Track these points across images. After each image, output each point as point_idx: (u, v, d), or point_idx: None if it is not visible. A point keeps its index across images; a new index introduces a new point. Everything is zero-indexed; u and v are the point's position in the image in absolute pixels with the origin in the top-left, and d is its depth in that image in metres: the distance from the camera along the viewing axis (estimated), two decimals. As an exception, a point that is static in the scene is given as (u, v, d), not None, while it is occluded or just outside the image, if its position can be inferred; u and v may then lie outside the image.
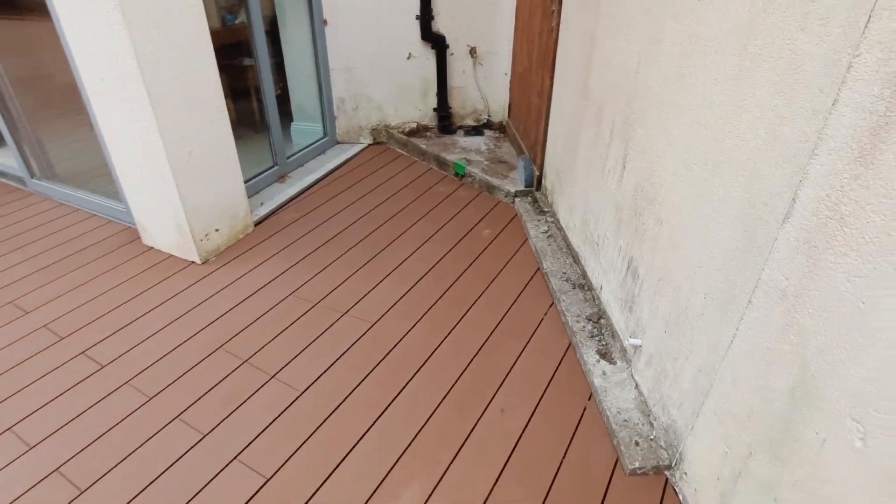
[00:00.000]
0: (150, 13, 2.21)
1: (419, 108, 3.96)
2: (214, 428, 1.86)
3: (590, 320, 2.25)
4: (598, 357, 2.08)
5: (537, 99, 3.07)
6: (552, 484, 1.68)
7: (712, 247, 1.42)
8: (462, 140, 3.86)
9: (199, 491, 1.66)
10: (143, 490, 1.66)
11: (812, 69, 1.06)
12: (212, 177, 2.71)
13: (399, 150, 3.96)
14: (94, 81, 2.45)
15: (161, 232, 2.79)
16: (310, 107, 3.89)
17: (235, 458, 1.76)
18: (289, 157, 3.64)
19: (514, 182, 3.30)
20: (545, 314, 2.39)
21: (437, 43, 3.67)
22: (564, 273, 2.55)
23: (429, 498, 1.64)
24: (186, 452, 1.78)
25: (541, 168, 3.15)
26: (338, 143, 4.03)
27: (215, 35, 3.83)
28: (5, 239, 2.98)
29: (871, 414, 0.96)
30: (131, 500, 1.63)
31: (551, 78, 2.82)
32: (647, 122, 1.77)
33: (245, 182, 3.14)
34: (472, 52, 3.76)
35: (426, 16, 3.56)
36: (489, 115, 4.04)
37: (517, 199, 3.20)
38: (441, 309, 2.43)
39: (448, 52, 3.73)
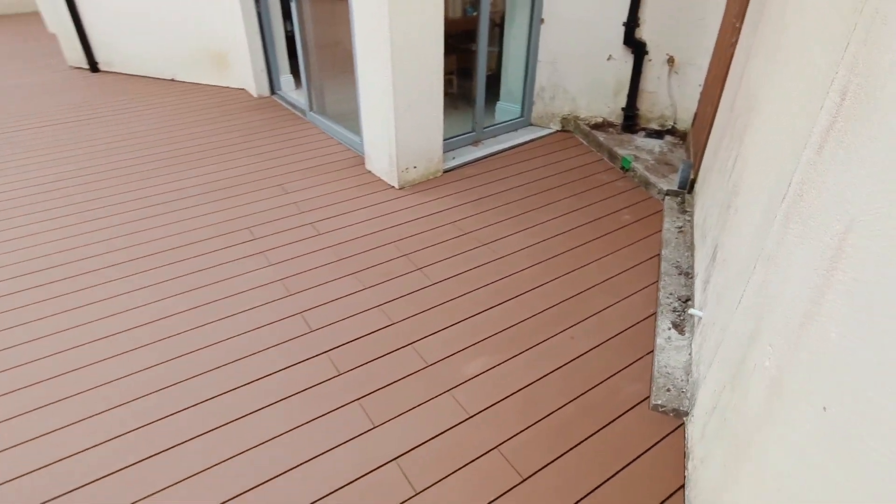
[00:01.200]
0: (406, 5, 3.10)
1: (608, 106, 4.37)
2: (371, 286, 2.71)
3: (679, 299, 2.55)
4: (670, 325, 2.40)
5: (709, 109, 3.29)
6: (584, 394, 2.13)
7: (750, 228, 1.72)
8: (639, 140, 4.17)
9: (344, 319, 2.50)
10: (314, 307, 2.57)
11: (820, 80, 1.36)
12: (420, 127, 3.59)
13: (580, 140, 4.43)
14: (362, 47, 3.48)
15: (378, 160, 3.78)
16: (515, 90, 4.59)
17: (377, 306, 2.58)
18: (486, 128, 4.40)
19: (671, 183, 3.55)
20: (644, 288, 2.73)
21: (637, 48, 4.03)
22: (677, 261, 2.83)
23: (488, 370, 2.23)
24: (350, 295, 2.65)
25: (696, 173, 3.36)
26: (531, 124, 4.66)
27: (455, 23, 4.77)
28: (287, 147, 4.31)
29: (776, 338, 1.28)
30: (307, 309, 2.55)
31: (721, 90, 3.04)
32: (752, 129, 2.04)
33: (446, 139, 3.99)
34: (671, 60, 4.02)
35: (632, 23, 3.94)
36: (675, 123, 4.25)
37: (667, 198, 3.46)
38: (560, 260, 2.93)
39: (646, 58, 4.06)
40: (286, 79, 5.46)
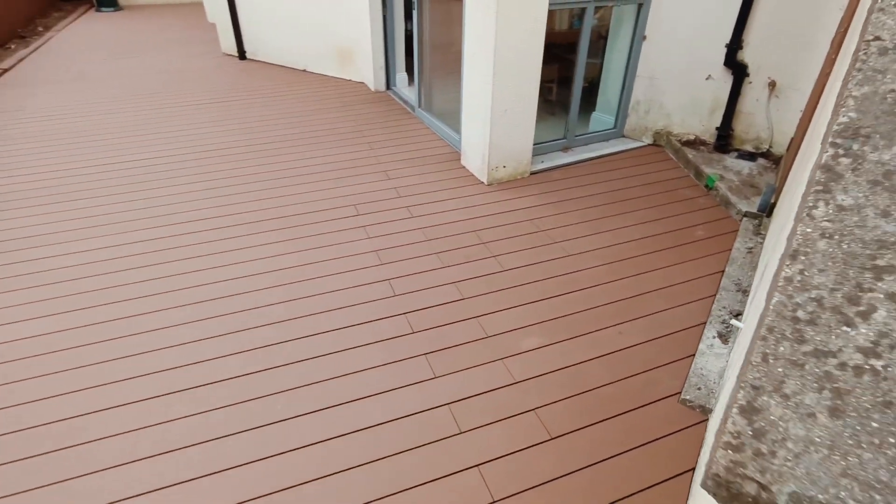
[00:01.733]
0: (511, 18, 3.46)
1: (703, 124, 4.44)
2: (450, 265, 3.12)
3: (730, 313, 2.71)
4: (715, 335, 2.58)
5: (799, 135, 3.33)
6: (622, 380, 2.39)
7: (781, 246, 1.91)
8: (730, 160, 4.23)
9: (424, 289, 2.94)
10: (400, 276, 3.03)
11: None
12: (513, 131, 3.94)
13: (670, 155, 4.55)
14: (470, 55, 3.89)
15: (472, 157, 4.19)
16: (611, 102, 4.79)
17: (453, 283, 2.99)
18: (578, 136, 4.65)
19: (752, 205, 3.62)
20: (701, 299, 2.90)
21: (737, 70, 4.09)
22: (738, 279, 2.96)
23: (540, 348, 2.56)
24: (431, 270, 3.09)
25: (777, 197, 3.42)
26: (623, 136, 4.84)
27: (561, 34, 5.03)
28: (394, 139, 4.84)
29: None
30: (394, 277, 3.01)
31: (811, 117, 3.09)
32: (804, 158, 2.19)
33: (537, 143, 4.31)
34: (772, 84, 4.03)
35: (734, 45, 4.01)
36: (770, 146, 4.24)
37: (745, 219, 3.55)
38: (625, 264, 3.17)
39: (746, 80, 4.10)
40: (401, 76, 6.02)
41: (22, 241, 3.34)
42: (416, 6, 4.95)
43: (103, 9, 10.88)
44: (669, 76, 4.40)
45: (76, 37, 8.86)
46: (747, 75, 4.10)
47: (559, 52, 5.06)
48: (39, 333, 2.62)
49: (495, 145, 3.92)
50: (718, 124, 4.36)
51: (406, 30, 5.93)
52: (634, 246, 3.35)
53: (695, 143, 4.50)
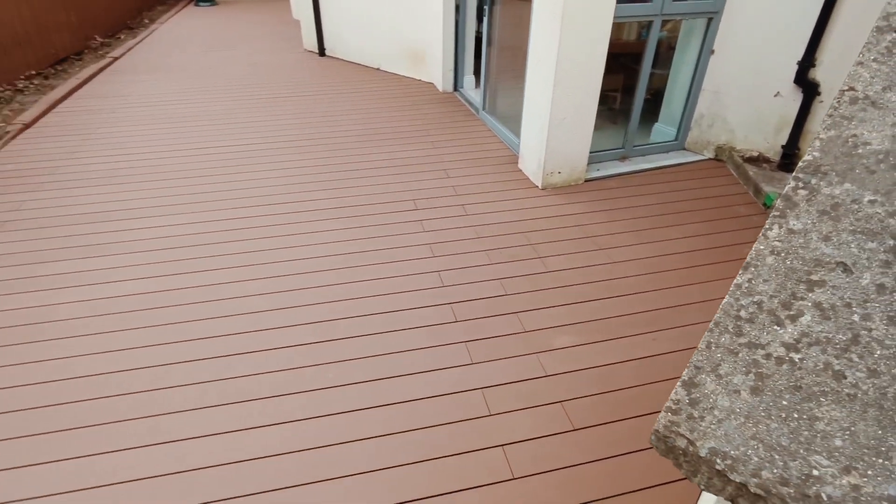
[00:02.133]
0: (575, 31, 3.60)
1: (767, 141, 4.38)
2: (497, 263, 3.31)
3: (768, 330, 2.74)
4: (749, 350, 2.63)
5: (863, 159, 3.27)
6: (650, 384, 2.51)
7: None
8: (793, 179, 4.15)
9: (470, 283, 3.14)
10: (449, 269, 3.25)
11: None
12: (570, 138, 4.06)
13: (730, 170, 4.52)
14: (533, 64, 4.05)
15: (529, 162, 4.34)
16: (674, 114, 4.80)
17: (497, 279, 3.18)
18: (636, 146, 4.70)
19: (809, 226, 3.57)
20: (741, 315, 2.94)
21: (808, 88, 4.01)
22: (783, 298, 2.97)
23: (574, 346, 2.71)
24: (478, 265, 3.29)
25: (835, 220, 3.37)
26: (684, 149, 4.84)
27: (629, 45, 5.08)
28: (457, 139, 5.07)
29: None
30: (444, 269, 3.23)
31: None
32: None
33: (594, 151, 4.41)
34: (844, 104, 3.93)
35: (806, 63, 3.94)
36: (838, 167, 4.13)
37: (800, 239, 3.51)
38: (667, 275, 3.24)
39: (817, 98, 4.02)
40: (468, 79, 6.24)
41: (125, 213, 3.83)
42: (487, 10, 5.14)
43: (201, 3, 11.77)
44: (735, 91, 4.37)
45: (177, 29, 9.68)
46: (818, 94, 4.02)
47: (626, 61, 5.11)
48: (136, 293, 3.04)
49: (552, 151, 4.06)
50: (784, 142, 4.29)
51: (476, 32, 6.13)
52: (679, 258, 3.41)
53: (758, 160, 4.44)
